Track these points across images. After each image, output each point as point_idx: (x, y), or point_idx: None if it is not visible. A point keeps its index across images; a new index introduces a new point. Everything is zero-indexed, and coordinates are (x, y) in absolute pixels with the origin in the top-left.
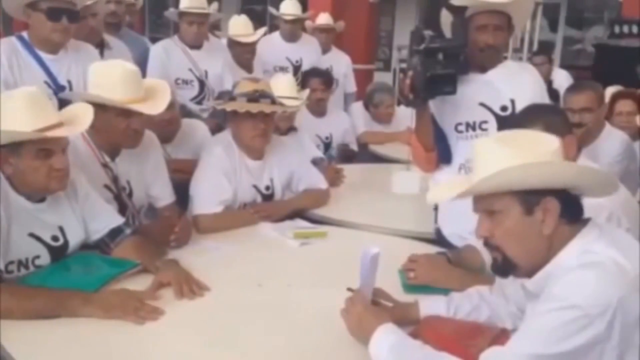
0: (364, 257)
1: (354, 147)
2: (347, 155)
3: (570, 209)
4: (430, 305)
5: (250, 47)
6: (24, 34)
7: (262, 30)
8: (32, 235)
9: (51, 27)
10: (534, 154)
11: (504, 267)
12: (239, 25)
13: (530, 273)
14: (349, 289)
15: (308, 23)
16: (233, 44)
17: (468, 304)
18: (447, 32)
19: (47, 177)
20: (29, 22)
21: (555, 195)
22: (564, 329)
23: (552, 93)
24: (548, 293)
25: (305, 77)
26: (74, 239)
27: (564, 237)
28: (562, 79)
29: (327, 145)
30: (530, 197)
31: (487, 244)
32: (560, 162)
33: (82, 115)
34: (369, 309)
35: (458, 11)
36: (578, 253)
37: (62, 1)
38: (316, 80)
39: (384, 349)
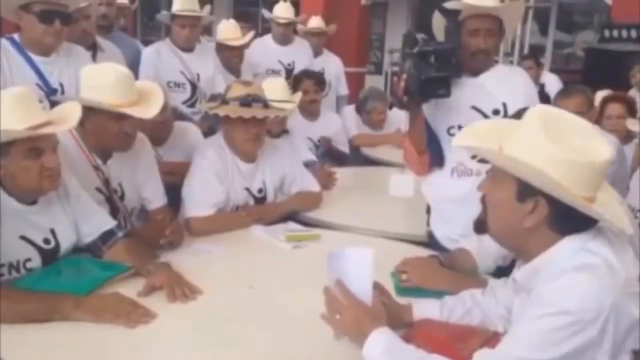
0: (347, 260)
1: (346, 149)
2: (337, 156)
3: (561, 221)
4: (424, 309)
5: (238, 51)
6: (15, 36)
7: (251, 34)
8: (23, 237)
9: (43, 29)
10: (575, 157)
11: (480, 224)
12: (228, 30)
13: (501, 244)
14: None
15: (300, 26)
16: (222, 48)
17: (461, 307)
18: (439, 35)
19: (38, 177)
20: (21, 25)
21: (548, 200)
22: (555, 335)
23: (544, 97)
24: (539, 297)
25: (297, 79)
26: (66, 241)
27: (545, 240)
28: (551, 82)
29: (319, 148)
30: (527, 187)
31: (482, 198)
32: (559, 185)
33: (70, 114)
34: (366, 311)
35: (450, 15)
36: (573, 251)
37: (55, 4)
38: (308, 82)
39: (377, 352)
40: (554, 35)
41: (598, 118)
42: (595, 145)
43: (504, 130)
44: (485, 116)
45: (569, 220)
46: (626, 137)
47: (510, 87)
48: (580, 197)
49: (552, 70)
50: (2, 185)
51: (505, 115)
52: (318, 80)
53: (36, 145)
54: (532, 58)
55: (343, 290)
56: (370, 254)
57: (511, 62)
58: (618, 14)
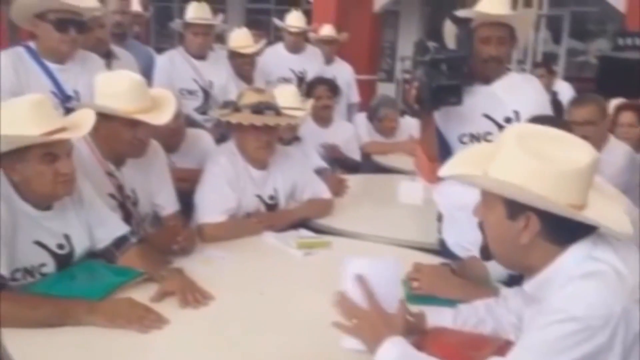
0: (375, 267)
1: (357, 157)
2: (348, 163)
3: (555, 232)
4: (437, 316)
5: (250, 59)
6: (31, 43)
7: (263, 41)
8: (37, 243)
9: (59, 38)
10: (555, 168)
11: (485, 251)
12: (240, 38)
13: (507, 267)
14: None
15: (311, 34)
16: (233, 56)
17: (474, 316)
18: (450, 43)
19: (53, 182)
20: (37, 33)
21: (537, 214)
22: (564, 342)
23: (556, 105)
24: (548, 305)
25: (311, 85)
26: (80, 247)
27: (547, 253)
28: (564, 90)
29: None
30: (515, 205)
31: (479, 224)
32: (543, 197)
33: (84, 120)
34: (384, 317)
35: (462, 23)
36: (579, 259)
37: (70, 12)
38: (322, 88)
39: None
40: (567, 43)
41: (611, 126)
42: (574, 152)
43: (487, 154)
44: (497, 124)
45: (564, 229)
46: (639, 144)
47: (522, 95)
48: (568, 205)
49: (566, 78)
50: (17, 191)
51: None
52: (332, 86)
53: (51, 151)
54: (543, 66)
55: (366, 295)
56: (399, 264)
57: (524, 70)
58: (632, 22)
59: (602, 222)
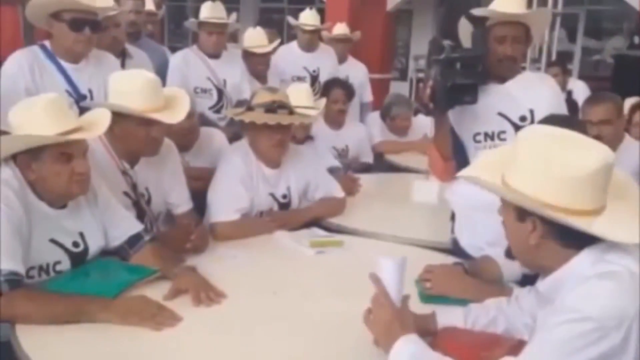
0: (387, 266)
1: (369, 159)
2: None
3: (562, 236)
4: (448, 317)
5: (265, 58)
6: (46, 43)
7: (277, 42)
8: (53, 241)
9: (74, 37)
10: (565, 174)
11: (510, 250)
12: (254, 37)
13: (525, 266)
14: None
15: (325, 33)
16: (248, 55)
17: (485, 315)
18: (465, 42)
19: (68, 182)
20: (52, 32)
21: (541, 220)
22: (577, 341)
23: (571, 104)
24: (561, 304)
25: (327, 87)
26: (94, 245)
27: (558, 255)
28: (579, 89)
29: (342, 157)
30: (521, 209)
31: (502, 223)
32: (539, 204)
33: (100, 120)
34: (397, 317)
35: (477, 22)
36: (592, 261)
37: (85, 12)
38: (338, 91)
39: (404, 358)
40: (583, 42)
41: (626, 125)
42: (586, 156)
43: (507, 157)
44: (512, 123)
45: (570, 235)
46: None
47: (537, 93)
48: (581, 211)
49: (581, 77)
50: (33, 189)
51: (532, 122)
52: (348, 90)
53: (67, 151)
54: (558, 65)
55: (381, 291)
56: (401, 263)
57: (538, 69)
58: None
59: (608, 234)
